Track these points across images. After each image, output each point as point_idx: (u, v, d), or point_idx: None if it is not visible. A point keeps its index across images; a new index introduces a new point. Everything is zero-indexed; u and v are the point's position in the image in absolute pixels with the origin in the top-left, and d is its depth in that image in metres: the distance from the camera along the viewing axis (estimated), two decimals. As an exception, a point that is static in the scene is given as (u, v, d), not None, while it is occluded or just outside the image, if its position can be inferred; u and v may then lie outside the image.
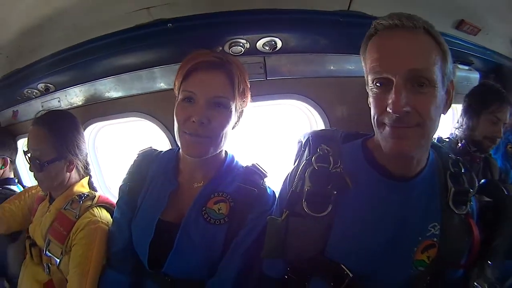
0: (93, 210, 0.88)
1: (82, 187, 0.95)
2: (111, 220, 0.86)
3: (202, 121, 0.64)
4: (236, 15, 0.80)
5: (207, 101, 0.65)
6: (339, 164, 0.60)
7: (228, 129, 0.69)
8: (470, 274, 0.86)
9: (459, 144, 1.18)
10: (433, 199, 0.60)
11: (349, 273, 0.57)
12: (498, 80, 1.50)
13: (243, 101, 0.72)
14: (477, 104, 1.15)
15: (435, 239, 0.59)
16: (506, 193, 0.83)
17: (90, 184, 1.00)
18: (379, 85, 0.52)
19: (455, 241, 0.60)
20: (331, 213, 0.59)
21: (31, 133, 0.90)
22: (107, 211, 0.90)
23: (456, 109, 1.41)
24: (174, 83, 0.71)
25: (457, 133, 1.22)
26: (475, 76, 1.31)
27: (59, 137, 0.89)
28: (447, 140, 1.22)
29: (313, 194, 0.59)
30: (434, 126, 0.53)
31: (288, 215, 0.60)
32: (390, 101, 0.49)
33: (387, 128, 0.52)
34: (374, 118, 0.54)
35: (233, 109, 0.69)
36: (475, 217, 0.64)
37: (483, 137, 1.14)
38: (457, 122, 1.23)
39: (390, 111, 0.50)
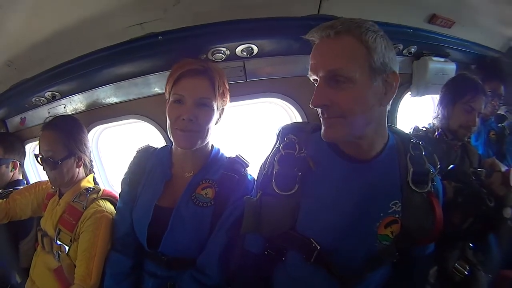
0: (99, 202, 1.04)
1: (88, 182, 1.12)
2: (114, 210, 1.02)
3: (190, 119, 0.81)
4: (216, 26, 0.97)
5: (194, 102, 0.82)
6: (303, 150, 0.72)
7: (212, 124, 0.86)
8: (450, 255, 0.97)
9: (436, 133, 1.28)
10: (393, 179, 0.69)
11: (317, 245, 0.67)
12: (479, 71, 1.61)
13: (223, 100, 0.89)
14: (452, 94, 1.25)
15: (397, 216, 0.67)
16: (472, 178, 0.95)
17: (94, 180, 1.17)
18: (315, 85, 0.65)
19: (417, 218, 0.68)
20: (298, 192, 0.69)
21: (43, 136, 1.07)
22: (110, 203, 1.07)
23: (436, 100, 1.53)
24: (165, 87, 0.88)
25: (434, 123, 1.32)
26: (451, 68, 1.41)
27: (69, 137, 1.07)
28: (423, 129, 1.32)
29: (281, 175, 0.70)
30: (362, 116, 0.62)
31: (261, 194, 0.72)
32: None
33: (321, 119, 0.65)
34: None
35: (215, 108, 0.86)
36: (440, 196, 0.73)
37: (458, 126, 1.23)
38: (434, 112, 1.33)
39: (310, 105, 0.63)
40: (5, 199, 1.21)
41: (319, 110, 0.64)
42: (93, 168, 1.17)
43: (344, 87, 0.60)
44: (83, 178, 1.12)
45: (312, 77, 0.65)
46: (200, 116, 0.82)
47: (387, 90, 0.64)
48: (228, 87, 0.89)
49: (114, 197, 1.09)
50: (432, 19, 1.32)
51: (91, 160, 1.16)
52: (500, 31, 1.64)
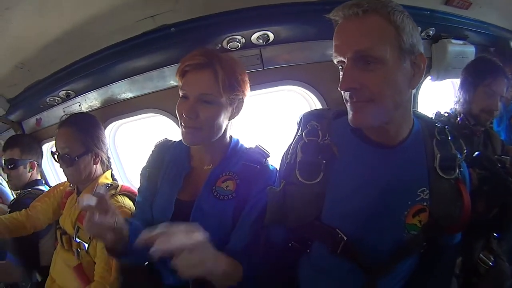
0: (117, 198, 1.03)
1: (106, 179, 1.12)
2: (133, 206, 1.02)
3: (190, 116, 0.77)
4: (230, 14, 0.94)
5: (195, 98, 0.78)
6: (327, 136, 0.68)
7: (221, 120, 0.81)
8: (476, 245, 0.94)
9: (458, 118, 1.24)
10: (420, 166, 0.65)
11: (344, 236, 0.63)
12: (498, 53, 1.55)
13: (235, 94, 0.83)
14: (472, 78, 1.20)
15: (425, 204, 0.64)
16: (498, 165, 0.91)
17: (112, 176, 1.17)
18: (341, 67, 0.61)
19: (445, 205, 0.64)
20: (323, 181, 0.66)
21: (60, 134, 1.07)
22: (129, 198, 1.06)
23: (456, 84, 1.48)
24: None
25: (456, 108, 1.27)
26: (471, 50, 1.36)
27: (85, 134, 1.06)
28: (445, 114, 1.27)
29: (304, 163, 0.67)
30: (392, 99, 0.58)
31: (285, 184, 0.68)
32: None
33: (348, 103, 0.61)
34: (342, 96, 0.63)
35: (222, 102, 0.80)
36: (467, 183, 0.70)
37: (480, 110, 1.19)
38: (456, 97, 1.28)
39: (339, 88, 0.59)
40: (24, 210, 1.22)
41: (346, 94, 0.60)
42: (110, 164, 1.17)
43: (374, 68, 0.56)
44: (101, 174, 1.12)
45: (337, 59, 0.60)
46: (201, 113, 0.78)
47: (415, 72, 0.60)
48: (244, 78, 0.84)
49: (133, 193, 1.08)
50: (449, 0, 1.28)
51: (108, 157, 1.15)
52: (518, 12, 1.59)
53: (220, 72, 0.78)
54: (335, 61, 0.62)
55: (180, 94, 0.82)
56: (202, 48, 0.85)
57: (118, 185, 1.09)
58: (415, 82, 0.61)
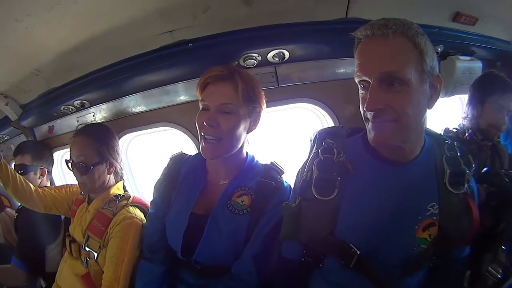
0: (129, 208, 1.05)
1: (118, 189, 1.13)
2: (144, 218, 1.03)
3: (211, 124, 0.80)
4: (247, 32, 0.97)
5: (215, 108, 0.82)
6: (342, 154, 0.71)
7: (240, 131, 0.84)
8: (484, 258, 0.95)
9: (466, 134, 1.25)
10: (430, 181, 0.68)
11: (357, 250, 0.66)
12: (505, 67, 1.58)
13: (253, 106, 0.86)
14: (480, 93, 1.22)
15: (435, 218, 0.66)
16: (506, 180, 0.93)
17: (123, 188, 1.18)
18: (362, 86, 0.62)
19: (454, 219, 0.67)
20: (338, 197, 0.68)
21: (75, 142, 1.08)
22: (140, 210, 1.07)
23: (464, 100, 1.50)
24: (198, 96, 0.88)
25: (464, 123, 1.29)
26: (478, 66, 1.37)
27: (101, 143, 1.08)
28: (454, 130, 1.29)
29: (320, 180, 0.70)
30: (413, 119, 0.60)
31: (300, 200, 0.71)
32: (367, 100, 0.59)
33: (370, 123, 0.63)
34: (362, 114, 0.65)
35: (241, 114, 0.83)
36: (476, 198, 0.72)
37: (488, 125, 1.21)
38: (464, 112, 1.30)
39: (365, 109, 0.60)
40: (35, 187, 1.21)
41: (369, 114, 0.61)
42: (123, 175, 1.18)
43: (399, 89, 0.58)
44: (113, 185, 1.13)
45: (361, 78, 0.61)
46: (222, 123, 0.81)
47: (432, 93, 0.63)
48: (261, 91, 0.87)
49: (144, 205, 1.10)
50: (456, 17, 1.30)
51: (121, 168, 1.17)
52: (523, 26, 1.61)
53: (240, 83, 0.82)
54: (356, 80, 0.63)
55: (201, 106, 0.84)
56: (222, 64, 0.88)
57: (130, 196, 1.10)
58: (432, 102, 0.64)
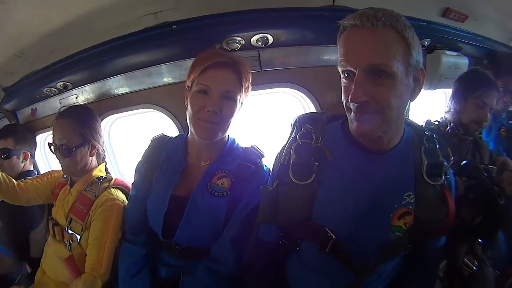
0: (110, 190, 1.04)
1: (100, 171, 1.13)
2: (126, 200, 1.02)
3: (215, 111, 0.81)
4: (231, 15, 0.96)
5: (219, 94, 0.81)
6: (320, 140, 0.71)
7: (234, 117, 0.86)
8: (460, 249, 0.97)
9: (448, 127, 1.28)
10: (407, 171, 0.69)
11: (333, 235, 0.67)
12: (491, 66, 1.59)
13: (246, 94, 0.89)
14: (464, 89, 1.24)
15: (410, 207, 0.67)
16: (485, 174, 0.94)
17: (105, 170, 1.17)
18: (346, 75, 0.61)
19: (430, 210, 0.68)
20: (315, 182, 0.68)
21: (58, 125, 1.07)
22: (122, 192, 1.07)
23: (448, 93, 1.52)
24: (189, 75, 0.86)
25: (446, 117, 1.31)
26: (464, 62, 1.41)
27: (83, 125, 1.07)
28: (436, 123, 1.31)
29: (298, 164, 0.70)
30: (396, 111, 0.61)
31: (278, 184, 0.71)
32: (351, 91, 0.58)
33: (352, 113, 0.62)
34: (344, 104, 0.64)
35: (238, 101, 0.85)
36: (453, 190, 0.73)
37: (470, 121, 1.23)
38: (447, 106, 1.32)
39: (350, 100, 0.60)
40: (17, 181, 1.20)
41: (353, 104, 0.61)
42: (105, 157, 1.17)
43: (385, 82, 0.58)
44: (95, 167, 1.13)
45: (345, 68, 0.60)
46: (224, 109, 0.82)
47: (415, 86, 0.63)
48: (251, 81, 0.88)
49: (126, 187, 1.09)
50: (446, 12, 1.32)
51: (104, 150, 1.16)
52: (512, 26, 1.64)
53: (244, 73, 0.84)
54: (340, 69, 0.62)
55: (195, 88, 0.83)
56: (216, 49, 0.88)
57: (112, 178, 1.10)
58: (415, 95, 0.64)
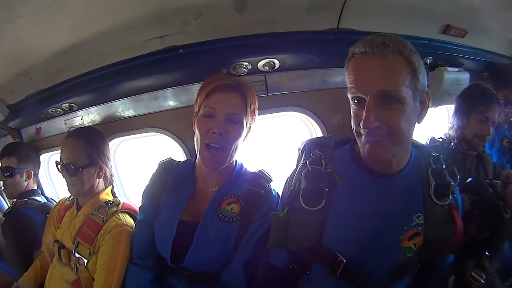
0: (119, 215, 1.03)
1: (107, 195, 1.12)
2: (134, 224, 1.01)
3: (221, 133, 0.80)
4: (238, 40, 0.97)
5: (225, 116, 0.82)
6: (329, 165, 0.72)
7: (240, 141, 0.86)
8: (468, 264, 0.97)
9: (452, 144, 1.28)
10: (416, 193, 0.70)
11: (343, 259, 0.67)
12: (491, 78, 1.62)
13: (253, 118, 0.89)
14: (466, 105, 1.25)
15: (420, 228, 0.68)
16: (490, 190, 0.95)
17: (112, 193, 1.16)
18: (356, 102, 0.63)
19: (439, 229, 0.69)
20: (325, 207, 0.70)
21: (66, 144, 1.07)
22: (130, 216, 1.06)
23: (450, 109, 1.53)
24: (196, 100, 0.88)
25: (450, 133, 1.32)
26: (465, 77, 1.42)
27: (91, 146, 1.06)
28: (440, 140, 1.32)
29: (308, 191, 0.71)
30: (405, 134, 0.63)
31: (288, 210, 0.72)
32: (363, 117, 0.60)
33: (363, 137, 0.64)
34: (353, 129, 0.65)
35: (245, 124, 0.85)
36: (460, 208, 0.73)
37: (473, 136, 1.23)
38: (450, 122, 1.33)
39: (361, 126, 0.61)
40: (36, 259, 1.23)
41: (364, 130, 0.62)
42: (113, 181, 1.17)
43: (395, 107, 0.60)
44: (102, 190, 1.12)
45: (356, 95, 0.62)
46: (229, 131, 0.82)
47: (422, 108, 0.65)
48: (257, 105, 0.89)
49: (134, 211, 1.08)
50: (446, 29, 1.33)
51: (111, 173, 1.15)
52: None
53: (249, 95, 0.84)
54: (350, 96, 0.64)
55: (202, 112, 0.83)
56: (222, 74, 0.89)
57: (120, 202, 1.08)
58: (421, 117, 0.66)
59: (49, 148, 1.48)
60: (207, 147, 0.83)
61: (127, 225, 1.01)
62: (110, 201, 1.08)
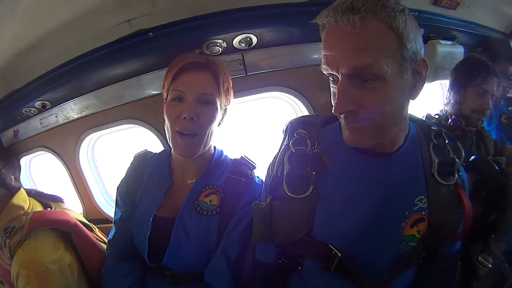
0: (24, 246, 0.75)
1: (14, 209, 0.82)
2: (58, 241, 0.82)
3: (192, 117, 0.70)
4: (210, 17, 0.87)
5: (195, 98, 0.71)
6: (316, 145, 0.62)
7: (214, 125, 0.76)
8: (474, 248, 0.88)
9: (449, 120, 1.20)
10: (417, 172, 0.60)
11: (338, 252, 0.58)
12: (485, 53, 1.52)
13: (227, 99, 0.79)
14: (463, 78, 1.16)
15: (423, 213, 0.59)
16: (496, 168, 0.86)
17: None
18: (332, 79, 0.53)
19: (445, 213, 0.59)
20: (313, 194, 0.60)
21: None
22: (52, 230, 0.79)
23: (445, 85, 1.44)
24: (163, 84, 0.77)
25: (446, 109, 1.23)
26: (459, 51, 1.33)
27: None
28: (436, 117, 1.23)
29: (293, 176, 0.61)
30: (391, 118, 0.52)
31: (271, 199, 0.63)
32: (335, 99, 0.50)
33: (342, 121, 0.54)
34: (333, 110, 0.53)
35: (218, 106, 0.75)
36: (466, 188, 0.64)
37: (472, 111, 1.15)
38: (446, 98, 1.24)
39: (333, 111, 0.51)
40: None
41: (342, 115, 0.53)
42: (17, 185, 0.95)
43: (373, 86, 0.49)
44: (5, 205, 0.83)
45: (328, 72, 0.52)
46: (202, 115, 0.72)
47: (416, 81, 0.53)
48: (231, 84, 0.78)
49: (59, 220, 0.84)
50: (437, 0, 1.24)
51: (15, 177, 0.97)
52: (504, 12, 1.57)
53: (221, 73, 0.74)
54: (325, 72, 0.53)
55: (170, 96, 0.73)
56: (191, 53, 0.79)
57: (24, 222, 0.79)
58: (416, 92, 0.54)
59: (28, 150, 1.39)
60: (178, 135, 0.72)
61: (37, 261, 0.72)
62: (9, 227, 0.76)
